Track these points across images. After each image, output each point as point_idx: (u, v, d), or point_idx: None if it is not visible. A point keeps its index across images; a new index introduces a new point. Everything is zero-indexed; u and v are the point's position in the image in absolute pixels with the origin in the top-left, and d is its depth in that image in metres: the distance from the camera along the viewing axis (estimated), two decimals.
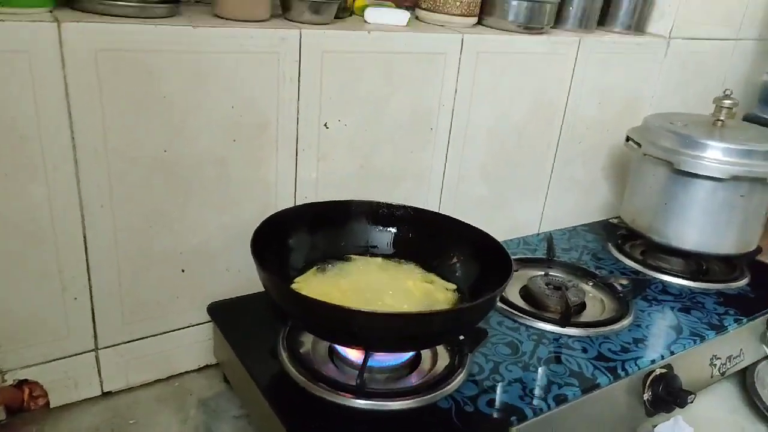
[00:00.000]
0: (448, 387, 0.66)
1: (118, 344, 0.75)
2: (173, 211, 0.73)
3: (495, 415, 0.64)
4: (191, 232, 0.75)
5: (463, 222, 0.78)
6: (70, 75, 0.61)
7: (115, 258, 0.71)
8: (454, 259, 0.78)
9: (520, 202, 1.11)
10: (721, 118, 1.00)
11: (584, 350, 0.77)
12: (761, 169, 0.92)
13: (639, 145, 1.00)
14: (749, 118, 1.25)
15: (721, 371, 0.88)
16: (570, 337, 0.80)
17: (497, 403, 0.66)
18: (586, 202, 1.22)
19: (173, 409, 0.75)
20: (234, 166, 0.75)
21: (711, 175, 0.93)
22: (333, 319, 0.59)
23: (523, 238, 1.11)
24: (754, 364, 0.93)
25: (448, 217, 0.79)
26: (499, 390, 0.68)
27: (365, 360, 0.63)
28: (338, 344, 0.69)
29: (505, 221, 1.10)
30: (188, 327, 0.80)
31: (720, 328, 0.86)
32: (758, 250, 1.04)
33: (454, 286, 0.75)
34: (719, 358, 0.87)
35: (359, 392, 0.63)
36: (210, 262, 0.78)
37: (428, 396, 0.65)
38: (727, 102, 0.99)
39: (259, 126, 0.75)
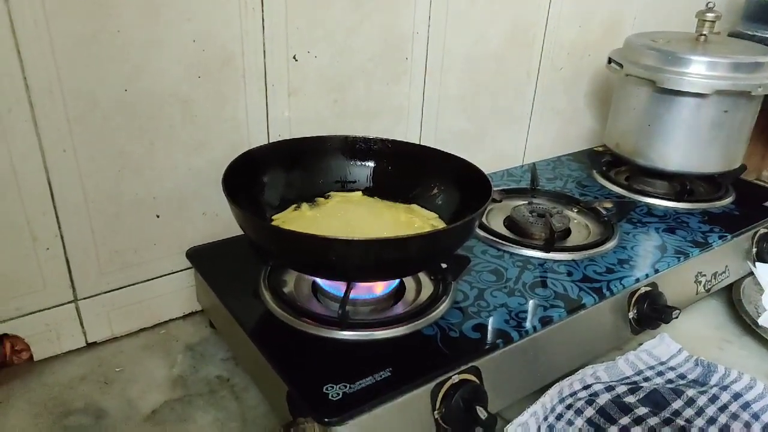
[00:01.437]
0: (433, 314, 0.66)
1: (98, 294, 0.74)
2: (141, 154, 0.70)
3: (480, 339, 0.64)
4: (162, 175, 0.73)
5: (442, 151, 0.76)
6: (15, 9, 0.57)
7: (84, 205, 0.68)
8: (435, 190, 0.77)
9: (502, 134, 1.09)
10: (704, 32, 0.97)
11: (569, 273, 0.77)
12: (745, 82, 0.90)
13: (621, 66, 0.98)
14: (733, 35, 1.21)
15: (706, 288, 0.88)
16: (555, 261, 0.79)
17: (482, 328, 0.66)
18: (570, 131, 1.21)
19: (160, 355, 0.75)
20: (200, 105, 0.72)
21: (694, 91, 0.91)
22: (310, 250, 0.58)
23: (507, 170, 1.09)
24: (740, 281, 0.93)
25: (426, 147, 0.77)
26: (484, 315, 0.68)
27: (347, 291, 0.62)
28: (318, 277, 0.68)
29: (488, 153, 1.08)
30: (170, 274, 0.79)
31: (704, 245, 0.85)
32: (743, 167, 1.03)
33: (435, 215, 0.74)
34: (704, 275, 0.87)
35: (342, 323, 0.62)
36: (185, 206, 0.76)
37: (412, 324, 0.64)
38: (709, 15, 0.96)
39: (224, 60, 0.71)
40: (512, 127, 1.10)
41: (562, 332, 0.70)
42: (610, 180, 1.06)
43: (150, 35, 0.65)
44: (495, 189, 0.72)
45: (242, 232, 0.64)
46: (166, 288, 0.79)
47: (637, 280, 0.77)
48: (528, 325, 0.66)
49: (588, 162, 1.15)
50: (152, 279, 0.77)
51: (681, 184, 1.00)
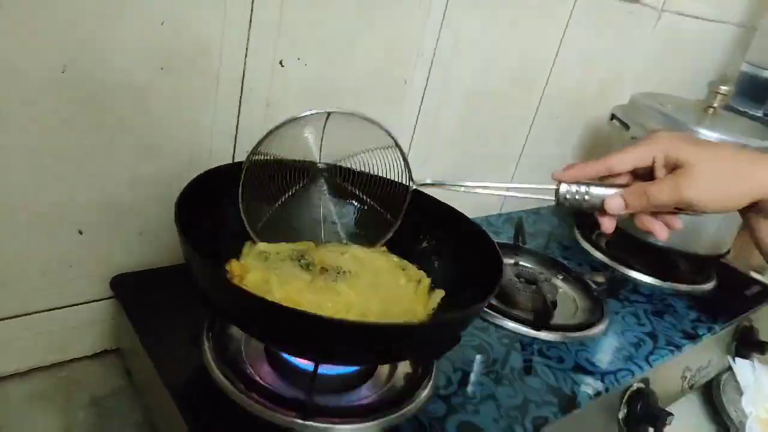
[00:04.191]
0: (412, 405, 0.54)
1: None
2: (70, 152, 0.54)
3: None
4: (94, 182, 0.57)
5: (442, 202, 0.64)
6: None
7: None
8: (425, 243, 0.65)
9: (486, 177, 0.98)
10: (714, 105, 0.91)
11: (560, 360, 0.67)
12: None
13: (627, 126, 0.90)
14: (727, 110, 1.18)
15: (690, 384, 0.82)
16: (544, 342, 0.70)
17: (469, 428, 0.54)
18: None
19: (55, 409, 0.59)
20: (158, 100, 0.57)
21: None
22: (276, 324, 0.44)
23: (486, 217, 1.00)
24: (718, 376, 0.88)
25: (426, 195, 0.65)
26: (470, 409, 0.57)
27: (314, 375, 0.49)
28: (281, 351, 0.54)
29: (468, 197, 0.98)
30: (84, 303, 0.63)
31: (694, 337, 0.79)
32: (728, 252, 0.98)
33: (428, 280, 0.61)
34: (690, 370, 0.81)
35: (306, 412, 0.49)
36: (118, 222, 0.61)
37: (390, 417, 0.52)
38: (723, 89, 0.90)
39: (196, 53, 0.57)
40: (497, 172, 1.01)
41: None
42: (591, 243, 0.98)
43: (106, 5, 0.50)
44: None
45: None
46: (76, 319, 0.63)
47: (632, 375, 0.68)
48: (519, 428, 0.56)
49: (569, 218, 1.07)
50: (60, 308, 0.61)
51: (666, 260, 0.94)
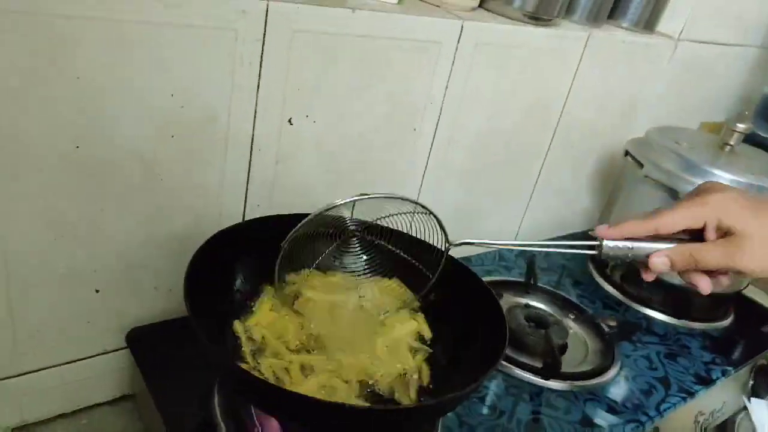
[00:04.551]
0: None
1: (9, 377, 0.60)
2: (86, 220, 0.57)
3: None
4: (109, 245, 0.59)
5: (460, 263, 0.64)
6: None
7: (4, 275, 0.55)
8: (433, 296, 0.66)
9: (499, 212, 0.99)
10: (731, 142, 0.90)
11: (568, 410, 0.68)
12: None
13: (641, 165, 0.90)
14: (749, 140, 1.16)
15: (703, 428, 0.81)
16: (553, 391, 0.70)
17: None
18: (567, 212, 1.12)
19: None
20: (168, 168, 0.59)
21: None
22: (278, 405, 0.46)
23: (499, 252, 1.00)
24: (732, 417, 0.87)
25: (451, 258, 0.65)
26: None
27: None
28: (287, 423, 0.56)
29: (482, 230, 0.99)
30: (103, 354, 0.65)
31: (708, 382, 0.78)
32: (746, 285, 0.97)
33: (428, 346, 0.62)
34: (703, 414, 0.80)
35: None
36: (132, 280, 0.63)
37: None
38: (740, 126, 0.89)
39: (206, 120, 0.59)
40: (510, 205, 1.01)
41: None
42: (605, 278, 0.98)
43: (116, 83, 0.52)
44: (487, 279, 0.63)
45: None
46: (95, 369, 0.65)
47: (642, 426, 0.68)
48: None
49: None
50: (79, 360, 0.64)
51: (682, 298, 0.93)
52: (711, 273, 0.51)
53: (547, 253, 1.04)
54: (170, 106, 0.56)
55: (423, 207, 0.57)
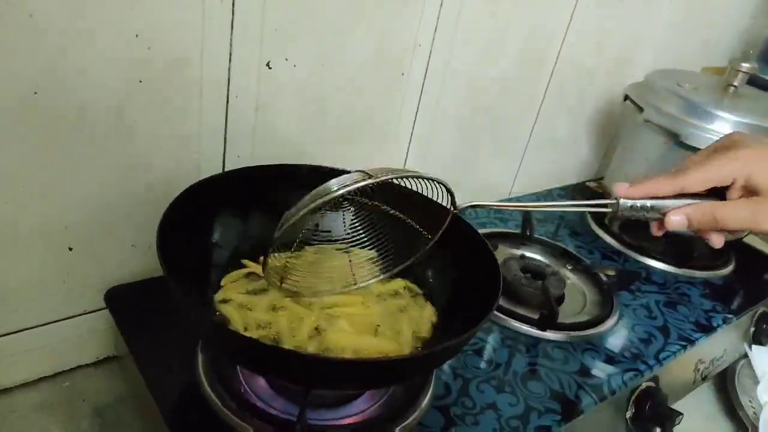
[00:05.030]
0: (410, 420, 0.53)
1: None
2: (52, 173, 0.53)
3: None
4: (80, 200, 0.56)
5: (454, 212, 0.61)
6: None
7: None
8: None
9: (494, 162, 0.96)
10: (735, 84, 0.86)
11: (565, 361, 0.66)
12: None
13: (640, 109, 0.86)
14: (753, 81, 1.12)
15: (702, 376, 0.80)
16: (549, 342, 0.68)
17: None
18: (564, 162, 1.09)
19: (60, 420, 0.60)
20: (139, 116, 0.55)
21: None
22: (264, 360, 0.43)
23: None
24: (733, 365, 0.85)
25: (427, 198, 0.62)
26: (469, 421, 0.56)
27: (306, 397, 0.48)
28: (273, 380, 0.54)
29: (476, 183, 0.95)
30: (82, 314, 0.63)
31: (708, 329, 0.76)
32: (748, 233, 0.94)
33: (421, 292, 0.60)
34: (703, 362, 0.79)
35: None
36: (109, 236, 0.60)
37: None
38: (745, 66, 0.85)
39: (176, 64, 0.55)
40: (505, 156, 0.97)
41: None
42: (603, 228, 0.95)
43: (73, 22, 0.48)
44: (481, 232, 0.59)
45: None
46: (76, 330, 0.63)
47: (641, 375, 0.66)
48: None
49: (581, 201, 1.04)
50: (59, 321, 0.61)
51: (683, 245, 0.90)
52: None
53: (545, 202, 1.01)
54: (135, 47, 0.52)
55: (436, 181, 0.50)
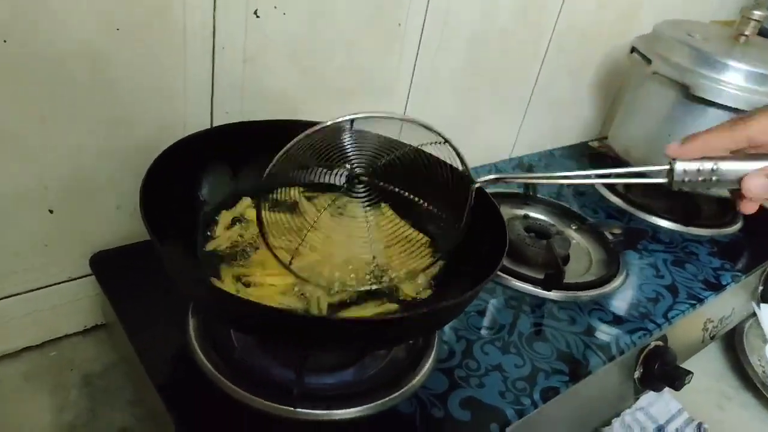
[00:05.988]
0: (413, 382, 0.51)
1: None
2: (27, 129, 0.50)
3: (471, 423, 0.50)
4: (59, 158, 0.53)
5: (442, 161, 0.58)
6: None
7: None
8: (425, 205, 0.60)
9: (494, 122, 0.92)
10: (746, 33, 0.82)
11: (572, 321, 0.63)
12: None
13: (648, 61, 0.82)
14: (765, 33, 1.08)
15: (711, 335, 0.78)
16: (555, 302, 0.66)
17: (473, 405, 0.51)
18: (565, 121, 1.05)
19: (47, 389, 0.57)
20: (118, 66, 0.51)
21: (732, 105, 0.76)
22: (260, 322, 0.41)
23: (495, 164, 0.94)
24: (741, 324, 0.83)
25: (424, 152, 0.59)
26: (474, 383, 0.53)
27: (303, 360, 0.46)
28: (269, 343, 0.51)
29: (476, 142, 0.92)
30: (68, 281, 0.60)
31: (717, 288, 0.74)
32: None
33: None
34: (712, 321, 0.77)
35: (295, 399, 0.46)
36: (91, 198, 0.57)
37: (387, 399, 0.49)
38: (757, 14, 0.81)
39: (156, 10, 0.51)
40: (506, 115, 0.94)
41: (563, 404, 0.57)
42: (608, 187, 0.92)
43: None
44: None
45: None
46: (61, 297, 0.60)
47: (650, 334, 0.64)
48: (527, 400, 0.53)
49: (585, 161, 1.01)
50: (41, 288, 0.58)
51: (690, 203, 0.88)
52: None
53: (546, 163, 0.98)
54: None
55: (436, 132, 0.45)
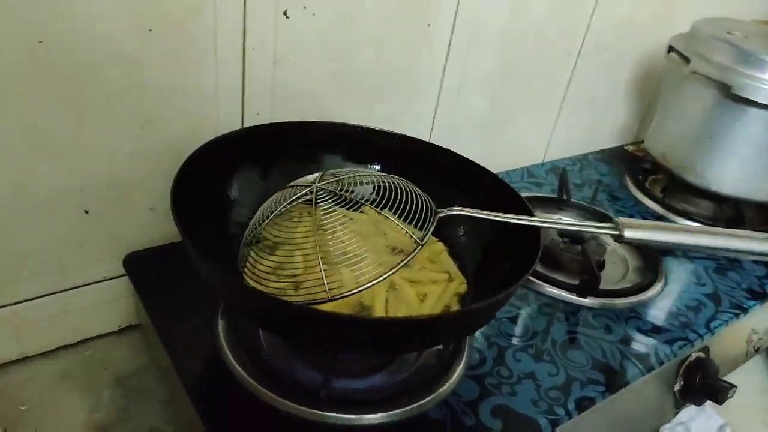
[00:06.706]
0: (443, 388, 0.50)
1: (2, 306, 0.56)
2: (64, 131, 0.51)
3: (501, 430, 0.48)
4: (94, 160, 0.53)
5: (470, 161, 0.58)
6: None
7: None
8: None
9: (527, 123, 0.91)
10: None
11: (608, 329, 0.61)
12: None
13: (687, 60, 0.80)
14: None
15: (755, 347, 0.74)
16: (590, 309, 0.64)
17: (504, 413, 0.50)
18: (600, 124, 1.03)
19: (81, 389, 0.58)
20: (151, 67, 0.52)
21: None
22: (289, 322, 0.40)
23: (527, 167, 0.92)
24: None
25: (456, 155, 0.58)
26: (505, 391, 0.52)
27: (333, 362, 0.45)
28: (298, 344, 0.51)
29: (508, 146, 0.91)
30: (102, 281, 0.61)
31: (763, 297, 0.71)
32: None
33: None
34: (756, 333, 0.73)
35: (323, 403, 0.46)
36: (125, 200, 0.58)
37: (417, 404, 0.48)
38: None
39: (187, 11, 0.51)
40: (539, 116, 0.92)
41: (598, 415, 0.55)
42: (644, 192, 0.90)
43: None
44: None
45: None
46: (96, 297, 0.61)
47: (691, 345, 0.62)
48: (561, 410, 0.51)
49: (620, 165, 0.98)
50: (77, 287, 0.59)
51: (733, 210, 0.85)
52: None
53: (581, 167, 0.96)
54: None
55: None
